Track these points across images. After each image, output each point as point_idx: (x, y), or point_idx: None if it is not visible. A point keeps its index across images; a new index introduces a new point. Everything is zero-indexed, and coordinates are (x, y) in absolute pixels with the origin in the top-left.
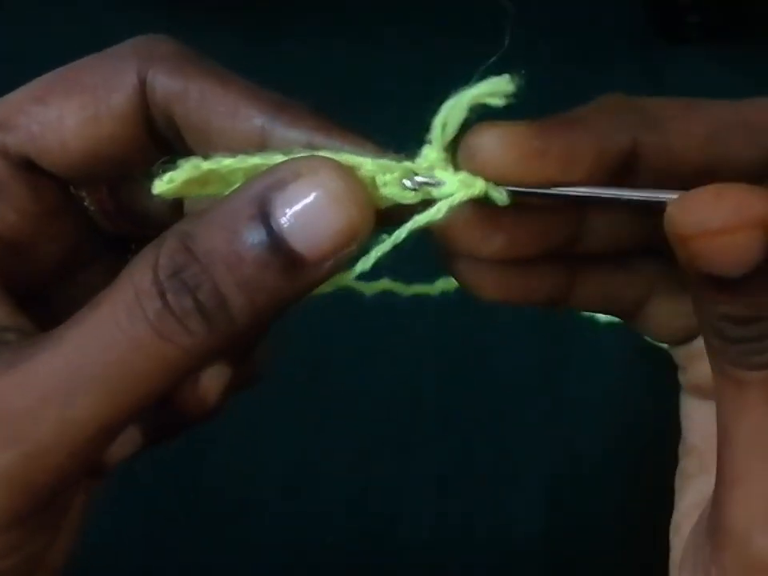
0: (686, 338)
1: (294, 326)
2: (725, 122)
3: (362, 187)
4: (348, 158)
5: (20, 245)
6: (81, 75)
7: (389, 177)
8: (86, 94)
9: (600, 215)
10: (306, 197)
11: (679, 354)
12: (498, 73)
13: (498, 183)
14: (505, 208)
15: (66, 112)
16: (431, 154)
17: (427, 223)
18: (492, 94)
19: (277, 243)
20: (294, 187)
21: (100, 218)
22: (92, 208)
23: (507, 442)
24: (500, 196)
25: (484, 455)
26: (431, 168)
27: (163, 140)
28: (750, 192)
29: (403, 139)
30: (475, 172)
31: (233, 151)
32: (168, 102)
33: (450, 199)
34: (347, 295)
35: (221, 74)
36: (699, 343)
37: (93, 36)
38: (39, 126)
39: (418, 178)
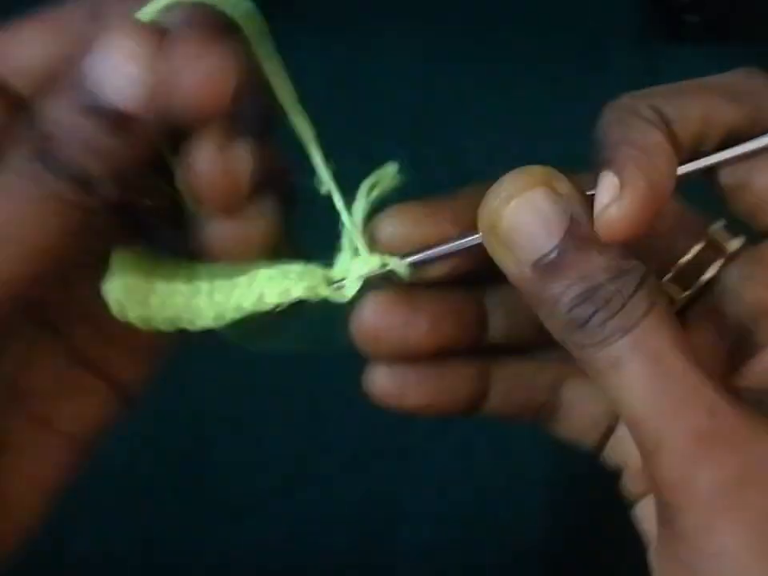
0: (610, 427)
1: (293, 325)
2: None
3: (152, 35)
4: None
5: None
6: (41, 15)
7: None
8: (45, 20)
9: (498, 303)
10: (104, 55)
11: (610, 450)
12: (499, 72)
13: (403, 256)
14: (418, 294)
15: (35, 32)
16: (344, 262)
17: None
18: (382, 182)
19: (92, 102)
20: (93, 52)
21: None
22: None
23: (507, 441)
24: (400, 267)
25: (484, 455)
26: (345, 274)
27: None
28: (527, 167)
29: (403, 138)
30: (382, 249)
31: None
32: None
33: (355, 275)
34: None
35: None
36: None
37: None
38: (7, 46)
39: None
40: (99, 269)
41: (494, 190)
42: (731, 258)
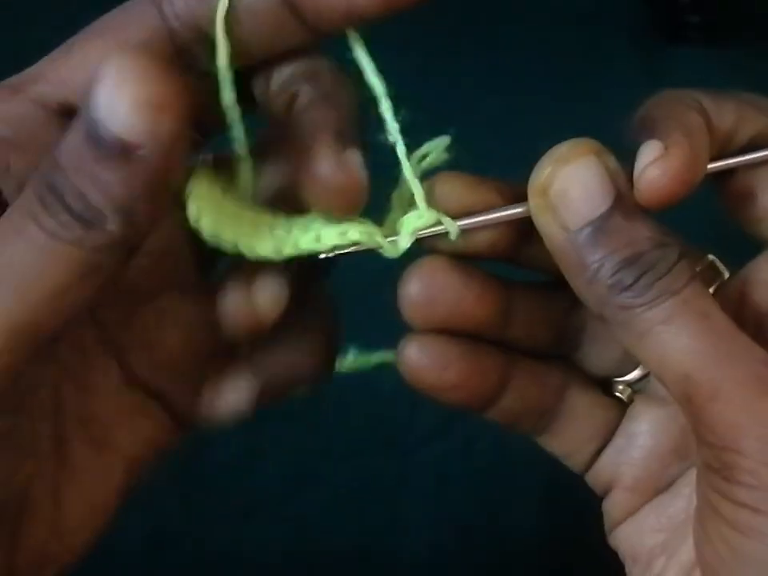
0: (604, 441)
1: None
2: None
3: (156, 65)
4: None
5: None
6: (99, 23)
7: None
8: (107, 33)
9: (521, 298)
10: (104, 86)
11: (600, 467)
12: (499, 72)
13: (453, 218)
14: (466, 265)
15: (92, 52)
16: (397, 217)
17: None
18: (433, 153)
19: (94, 136)
20: (95, 86)
21: None
22: None
23: (507, 441)
24: (451, 227)
25: (484, 455)
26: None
27: (192, 60)
28: (578, 138)
29: (402, 136)
30: (436, 208)
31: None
32: (191, 15)
33: (409, 228)
34: (347, 295)
35: None
36: (618, 441)
37: None
38: (69, 69)
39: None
40: (156, 295)
41: (548, 155)
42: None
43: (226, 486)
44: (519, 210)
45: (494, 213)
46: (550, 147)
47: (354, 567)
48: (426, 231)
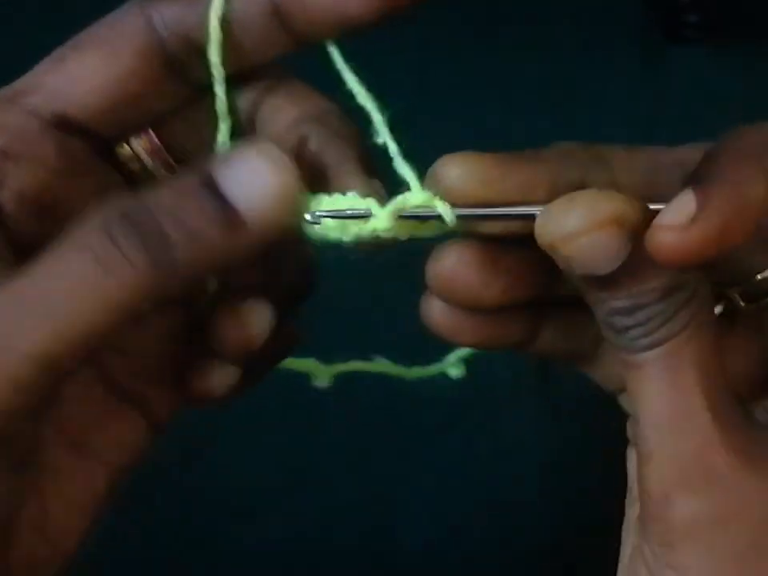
0: None
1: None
2: (661, 161)
3: (288, 159)
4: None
5: (47, 203)
6: (90, 33)
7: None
8: (98, 43)
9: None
10: (245, 162)
11: (626, 396)
12: (499, 72)
13: (453, 205)
14: (500, 255)
15: (85, 62)
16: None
17: (372, 231)
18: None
19: (215, 194)
20: (235, 156)
21: (155, 167)
22: (144, 159)
23: (507, 442)
24: (446, 213)
25: (484, 455)
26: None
27: (182, 70)
28: (600, 195)
29: (402, 136)
30: (442, 195)
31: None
32: (180, 25)
33: (396, 205)
34: (347, 295)
35: None
36: None
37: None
38: (63, 80)
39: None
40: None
41: (561, 216)
42: None
43: (226, 486)
44: (528, 211)
45: (500, 210)
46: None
47: (354, 567)
48: (419, 211)
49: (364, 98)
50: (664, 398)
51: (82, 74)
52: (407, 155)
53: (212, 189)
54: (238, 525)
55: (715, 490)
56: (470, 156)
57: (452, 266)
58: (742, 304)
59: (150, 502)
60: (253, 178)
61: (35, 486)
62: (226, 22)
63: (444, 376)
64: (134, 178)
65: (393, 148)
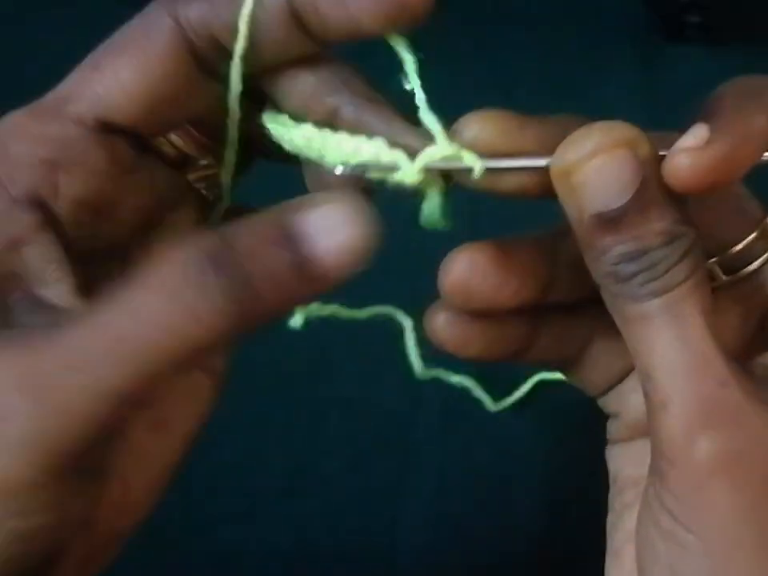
0: (619, 379)
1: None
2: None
3: (369, 212)
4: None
5: (102, 206)
6: (120, 38)
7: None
8: (130, 47)
9: (570, 261)
10: (327, 218)
11: (611, 398)
12: (499, 72)
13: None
14: (508, 257)
15: (120, 68)
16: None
17: (402, 178)
18: None
19: (296, 248)
20: (318, 210)
21: (196, 152)
22: (176, 141)
23: (507, 442)
24: (474, 164)
25: (484, 455)
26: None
27: (212, 68)
28: (615, 123)
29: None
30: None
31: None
32: (205, 26)
33: (425, 158)
34: (347, 295)
35: None
36: (630, 381)
37: (94, 33)
38: (101, 86)
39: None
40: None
41: (578, 141)
42: None
43: (226, 485)
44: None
45: (522, 160)
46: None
47: (354, 567)
48: (448, 165)
49: (397, 41)
50: (677, 346)
51: (118, 79)
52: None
53: (292, 243)
54: (238, 525)
55: (735, 426)
56: (490, 112)
57: (465, 271)
58: (723, 277)
59: None
60: (333, 234)
61: (118, 472)
62: (250, 25)
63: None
64: (171, 161)
65: (421, 97)
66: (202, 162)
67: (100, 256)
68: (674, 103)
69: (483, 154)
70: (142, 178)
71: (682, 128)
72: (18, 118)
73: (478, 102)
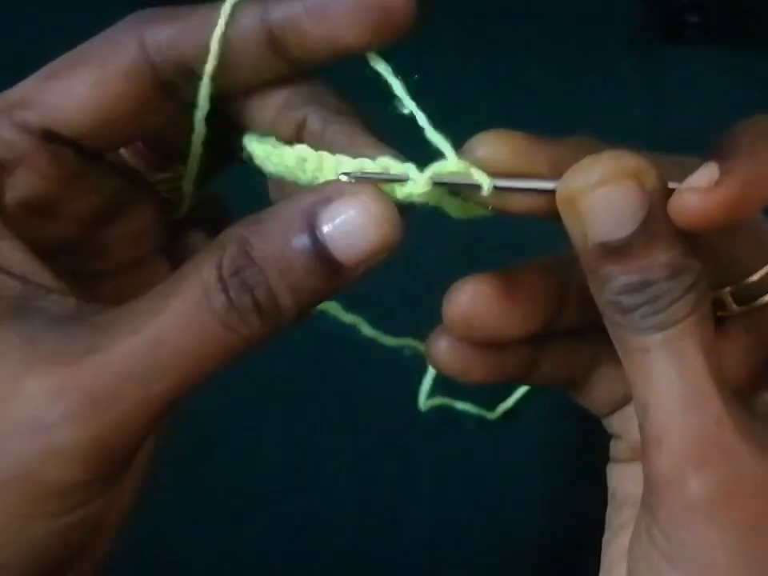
0: (623, 403)
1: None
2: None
3: (393, 208)
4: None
5: (48, 207)
6: (84, 50)
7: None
8: (90, 62)
9: (580, 287)
10: (347, 213)
11: (615, 419)
12: (499, 72)
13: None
14: (513, 288)
15: (76, 81)
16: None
17: (411, 193)
18: None
19: (321, 253)
20: (337, 204)
21: (144, 168)
22: (134, 165)
23: (507, 442)
24: (483, 181)
25: (484, 455)
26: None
27: (173, 90)
28: (624, 153)
29: (402, 135)
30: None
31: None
32: (174, 49)
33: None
34: (347, 296)
35: None
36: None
37: (94, 33)
38: (54, 97)
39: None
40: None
41: (585, 168)
42: None
43: (226, 486)
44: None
45: (531, 182)
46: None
47: (354, 567)
48: (458, 179)
49: (385, 70)
50: (675, 382)
51: (72, 91)
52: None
53: (313, 240)
54: (238, 525)
55: (727, 466)
56: (503, 131)
57: (470, 301)
58: (735, 306)
59: (150, 504)
60: (353, 230)
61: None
62: (221, 48)
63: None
64: (117, 169)
65: (423, 118)
66: (159, 176)
67: (51, 251)
68: (674, 103)
69: (494, 173)
70: (90, 181)
71: (693, 155)
72: None
73: (478, 102)
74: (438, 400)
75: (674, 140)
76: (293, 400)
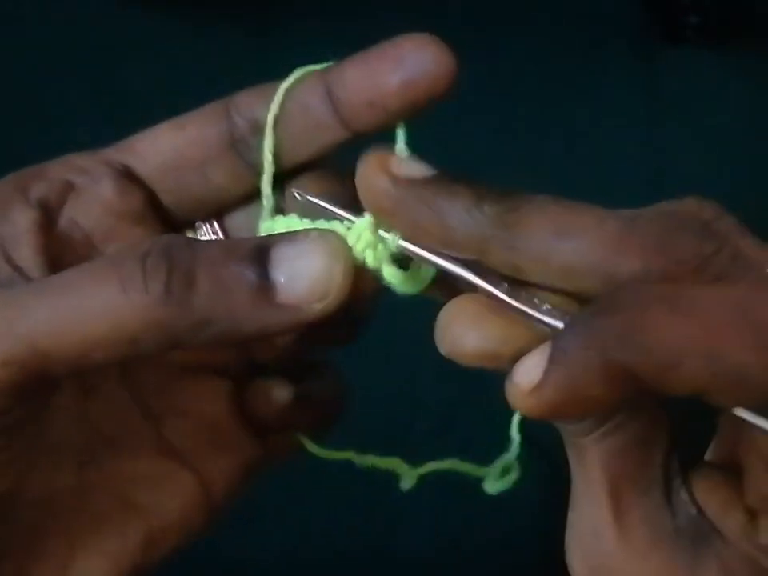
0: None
1: None
2: (583, 265)
3: (349, 262)
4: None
5: (99, 237)
6: (182, 117)
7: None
8: (179, 127)
9: None
10: (299, 246)
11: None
12: (499, 73)
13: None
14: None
15: (161, 137)
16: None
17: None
18: None
19: (257, 264)
20: (293, 240)
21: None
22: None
23: (507, 442)
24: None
25: (484, 455)
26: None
27: (245, 150)
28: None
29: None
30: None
31: None
32: (250, 111)
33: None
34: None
35: None
36: None
37: (94, 33)
38: (140, 144)
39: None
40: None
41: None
42: None
43: None
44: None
45: (444, 262)
46: (549, 146)
47: (354, 567)
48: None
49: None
50: (576, 479)
51: (157, 143)
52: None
53: (260, 257)
54: (240, 527)
55: (598, 565)
56: (388, 172)
57: (455, 320)
58: None
59: None
60: (302, 261)
61: (67, 523)
62: (284, 113)
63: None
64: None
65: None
66: None
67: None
68: (674, 103)
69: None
70: (142, 232)
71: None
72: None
73: (479, 102)
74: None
75: (673, 140)
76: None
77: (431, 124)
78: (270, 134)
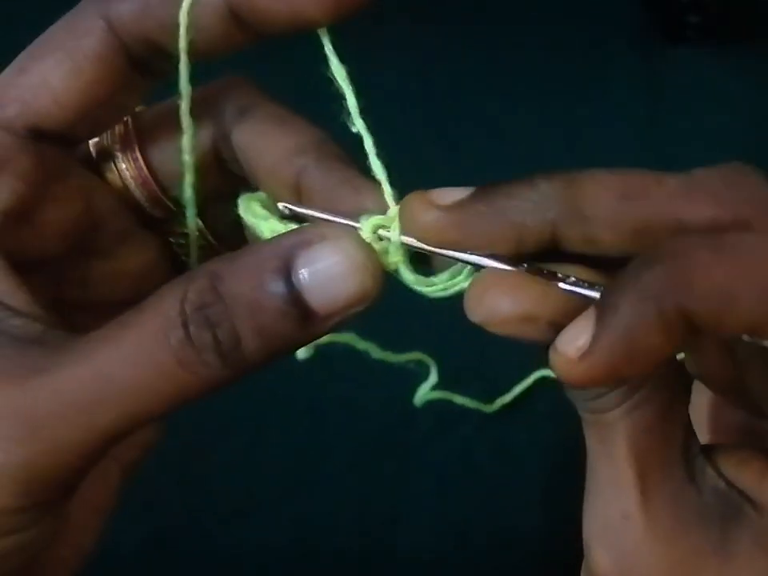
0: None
1: None
2: (657, 219)
3: (376, 259)
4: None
5: (29, 213)
6: (49, 39)
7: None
8: (58, 50)
9: None
10: (326, 259)
11: None
12: (499, 72)
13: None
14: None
15: (48, 72)
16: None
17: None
18: None
19: (295, 298)
20: (317, 248)
21: (140, 194)
22: (131, 183)
23: (507, 441)
24: (395, 237)
25: (484, 455)
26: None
27: (146, 66)
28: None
29: (403, 136)
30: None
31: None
32: (140, 26)
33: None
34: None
35: None
36: None
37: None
38: (29, 92)
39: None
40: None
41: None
42: None
43: (226, 486)
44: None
45: (452, 253)
46: (549, 146)
47: (354, 567)
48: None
49: (330, 51)
50: (598, 463)
51: (48, 85)
52: (410, 157)
53: (288, 283)
54: (238, 525)
55: (626, 553)
56: (434, 204)
57: (487, 295)
58: None
59: (151, 503)
60: (331, 278)
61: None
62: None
63: None
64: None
65: (369, 144)
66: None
67: (33, 269)
68: (674, 103)
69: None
70: (71, 187)
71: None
72: None
73: (478, 102)
74: (437, 394)
75: (673, 140)
76: (293, 400)
77: (431, 124)
78: (185, 68)
